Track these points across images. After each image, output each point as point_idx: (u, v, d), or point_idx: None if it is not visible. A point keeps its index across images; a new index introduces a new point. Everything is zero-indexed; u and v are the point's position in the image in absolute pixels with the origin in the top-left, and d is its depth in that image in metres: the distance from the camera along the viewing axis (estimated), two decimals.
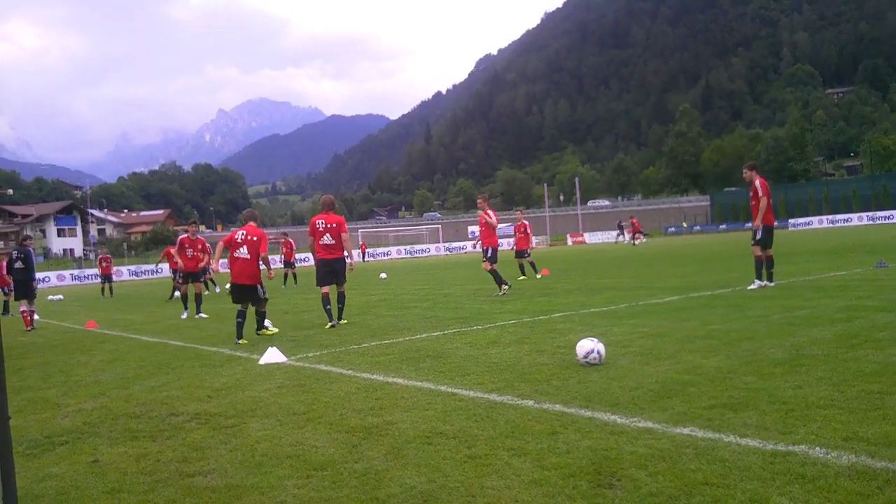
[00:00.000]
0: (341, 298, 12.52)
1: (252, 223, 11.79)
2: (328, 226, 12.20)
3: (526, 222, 22.22)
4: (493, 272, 16.32)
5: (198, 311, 16.84)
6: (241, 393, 6.95)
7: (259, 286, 11.49)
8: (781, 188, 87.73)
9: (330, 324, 12.21)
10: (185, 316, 16.64)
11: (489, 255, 16.40)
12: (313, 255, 12.54)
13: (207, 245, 18.22)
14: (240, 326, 11.13)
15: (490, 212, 16.51)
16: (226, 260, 12.19)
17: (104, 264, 32.61)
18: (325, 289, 12.35)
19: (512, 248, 23.06)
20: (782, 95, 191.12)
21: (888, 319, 8.22)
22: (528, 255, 21.65)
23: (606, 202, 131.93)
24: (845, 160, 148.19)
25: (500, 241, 17.02)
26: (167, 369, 8.85)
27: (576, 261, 33.29)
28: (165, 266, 48.98)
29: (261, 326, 11.61)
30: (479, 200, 17.08)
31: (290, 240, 30.15)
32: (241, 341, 10.88)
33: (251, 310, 11.65)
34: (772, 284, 13.21)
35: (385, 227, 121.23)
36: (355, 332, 11.10)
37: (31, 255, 17.31)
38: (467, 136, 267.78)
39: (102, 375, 8.79)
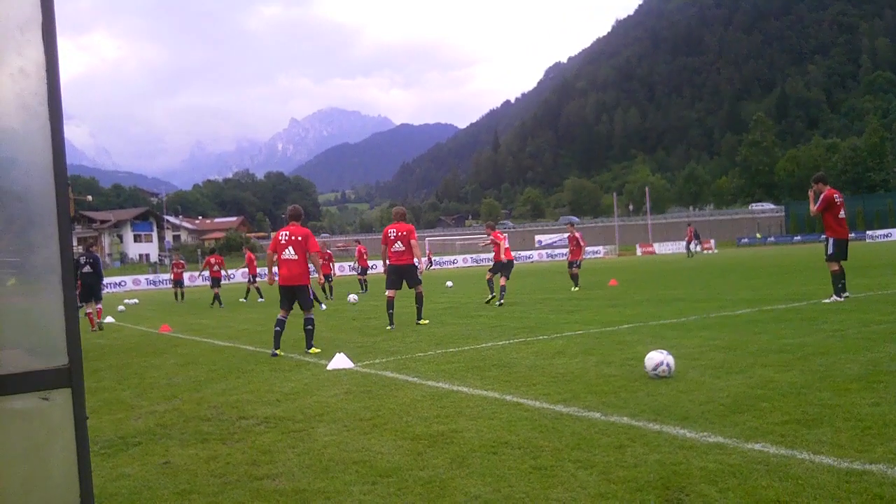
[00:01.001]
0: (419, 298, 13.69)
1: (295, 222, 11.06)
2: (399, 234, 13.15)
3: (577, 234, 22.83)
4: (489, 282, 18.45)
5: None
6: (309, 398, 7.05)
7: (308, 287, 10.92)
8: (859, 199, 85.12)
9: (390, 327, 13.18)
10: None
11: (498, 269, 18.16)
12: (384, 262, 13.29)
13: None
14: (278, 336, 10.61)
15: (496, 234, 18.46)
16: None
17: (176, 270, 33.35)
18: (391, 293, 13.29)
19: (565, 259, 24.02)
20: (861, 104, 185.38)
21: None
22: (575, 266, 22.35)
23: (773, 205, 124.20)
24: None
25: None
26: (238, 373, 9.03)
27: (645, 271, 32.87)
28: (235, 272, 50.08)
29: (310, 340, 10.77)
30: (486, 228, 19.49)
31: (363, 246, 30.70)
32: (278, 352, 10.49)
33: (293, 320, 11.10)
34: (847, 295, 12.97)
35: (452, 235, 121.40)
36: (421, 340, 11.16)
37: (98, 260, 18.28)
38: (535, 144, 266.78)
39: (175, 378, 9.01)
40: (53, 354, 1.94)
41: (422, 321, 13.52)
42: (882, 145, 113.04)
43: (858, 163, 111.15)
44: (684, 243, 54.44)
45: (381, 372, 8.32)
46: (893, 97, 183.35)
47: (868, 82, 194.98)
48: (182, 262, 34.99)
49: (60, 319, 1.96)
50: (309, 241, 10.88)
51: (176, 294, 32.73)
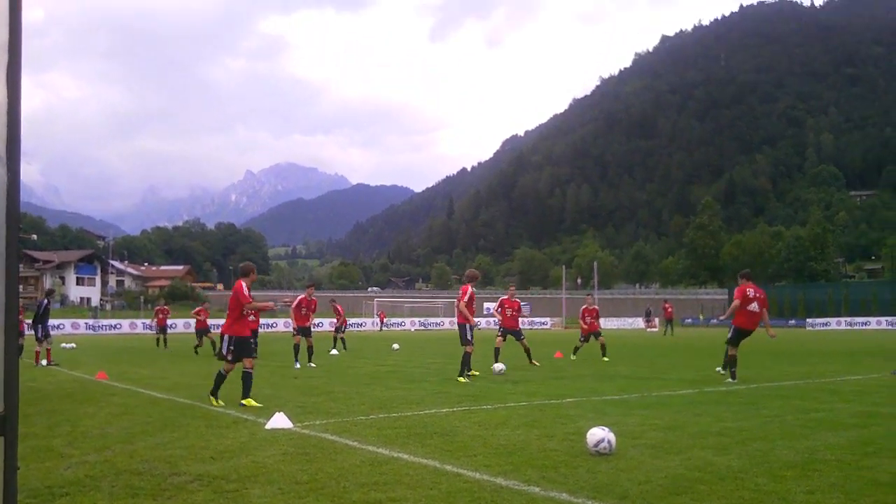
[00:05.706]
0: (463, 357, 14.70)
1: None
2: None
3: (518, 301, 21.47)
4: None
5: (309, 361, 19.03)
6: (245, 457, 6.90)
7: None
8: (801, 287, 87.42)
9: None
10: (297, 366, 18.47)
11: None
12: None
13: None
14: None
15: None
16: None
17: (160, 316, 32.47)
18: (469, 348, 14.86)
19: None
20: (805, 195, 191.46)
21: None
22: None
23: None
24: (866, 263, 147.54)
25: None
26: (173, 427, 8.81)
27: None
28: (179, 321, 49.24)
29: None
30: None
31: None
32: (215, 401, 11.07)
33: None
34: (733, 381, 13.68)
35: (401, 297, 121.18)
36: (363, 403, 11.03)
37: (49, 304, 21.55)
38: (489, 213, 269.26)
39: (108, 428, 8.76)
40: None
41: (460, 378, 14.41)
42: (824, 236, 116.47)
43: (801, 252, 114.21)
44: (661, 320, 51.77)
45: (320, 434, 8.18)
46: (836, 190, 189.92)
47: (813, 174, 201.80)
48: (167, 308, 34.13)
49: None
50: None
51: (158, 340, 31.82)
